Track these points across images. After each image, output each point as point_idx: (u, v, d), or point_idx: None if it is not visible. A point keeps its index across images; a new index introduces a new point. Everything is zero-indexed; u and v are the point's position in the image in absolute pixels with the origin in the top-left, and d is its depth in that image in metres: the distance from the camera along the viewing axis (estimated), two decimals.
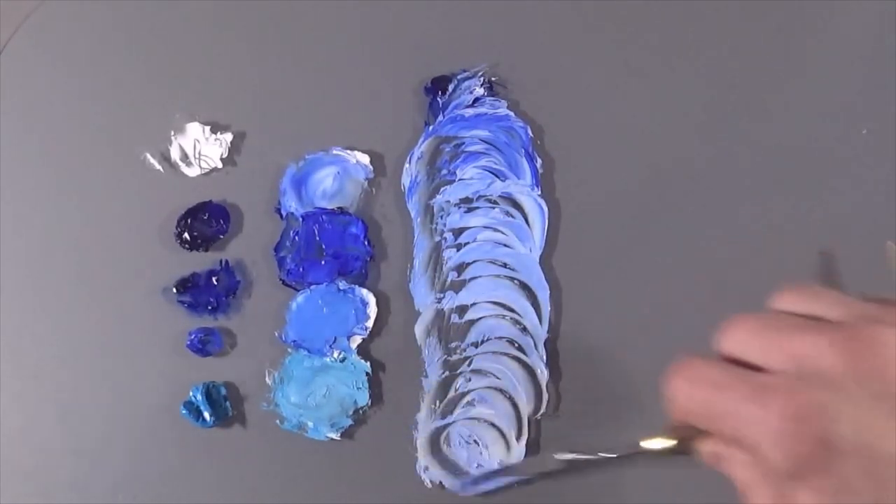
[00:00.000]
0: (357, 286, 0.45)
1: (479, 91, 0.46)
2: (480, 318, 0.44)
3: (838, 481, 0.23)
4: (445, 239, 0.45)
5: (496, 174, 0.46)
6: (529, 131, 0.46)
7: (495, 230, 0.45)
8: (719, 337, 0.27)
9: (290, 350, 0.44)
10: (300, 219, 0.45)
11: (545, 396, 0.44)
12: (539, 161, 0.46)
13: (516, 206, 0.45)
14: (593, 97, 0.47)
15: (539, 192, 0.45)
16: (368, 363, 0.44)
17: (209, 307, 0.45)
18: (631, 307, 0.45)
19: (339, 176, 0.46)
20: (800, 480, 0.23)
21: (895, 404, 0.23)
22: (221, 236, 0.45)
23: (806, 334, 0.25)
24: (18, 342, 0.45)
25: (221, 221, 0.45)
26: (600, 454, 0.34)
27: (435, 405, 0.44)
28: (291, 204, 0.45)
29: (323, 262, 0.45)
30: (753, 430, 0.24)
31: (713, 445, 0.27)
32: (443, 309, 0.45)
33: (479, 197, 0.45)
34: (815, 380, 0.24)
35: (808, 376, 0.24)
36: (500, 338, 0.44)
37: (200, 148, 0.46)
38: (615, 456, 0.33)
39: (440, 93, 0.46)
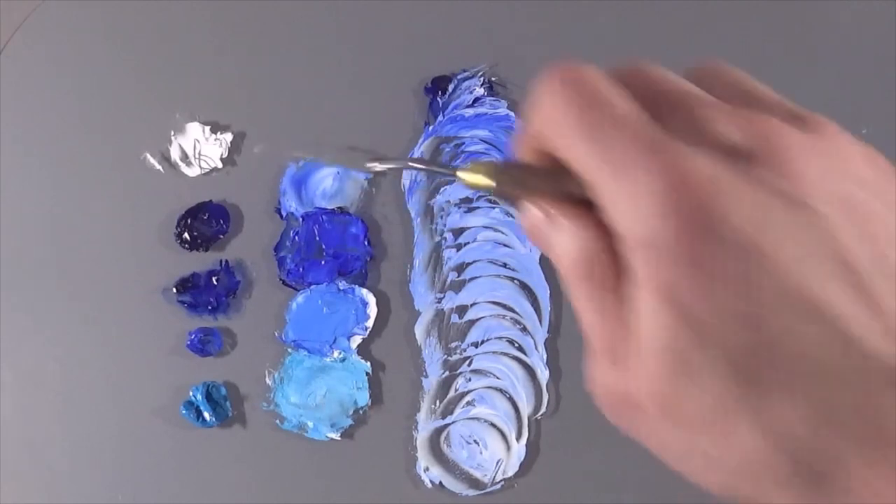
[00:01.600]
0: (357, 286, 0.45)
1: (479, 91, 0.46)
2: (480, 318, 0.44)
3: (702, 276, 0.19)
4: (445, 239, 0.45)
5: None
6: None
7: (495, 230, 0.45)
8: (625, 65, 0.23)
9: (290, 350, 0.44)
10: (300, 219, 0.45)
11: (545, 396, 0.44)
12: None
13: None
14: None
15: None
16: (368, 363, 0.44)
17: (209, 307, 0.45)
18: None
19: (339, 176, 0.46)
20: (656, 259, 0.19)
21: (798, 211, 0.20)
22: (221, 236, 0.45)
23: (715, 107, 0.22)
24: (18, 342, 0.45)
25: (221, 221, 0.45)
26: (410, 163, 0.30)
27: (435, 405, 0.44)
28: (291, 204, 0.45)
29: (323, 262, 0.45)
30: (627, 179, 0.20)
31: (542, 205, 0.22)
32: (443, 309, 0.45)
33: (479, 197, 0.45)
34: (722, 153, 0.20)
35: (707, 146, 0.20)
36: (500, 338, 0.44)
37: (200, 148, 0.46)
38: (424, 168, 0.29)
39: (440, 93, 0.46)
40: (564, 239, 0.22)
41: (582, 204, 0.22)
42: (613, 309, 0.21)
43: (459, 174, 0.23)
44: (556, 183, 0.22)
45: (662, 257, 0.19)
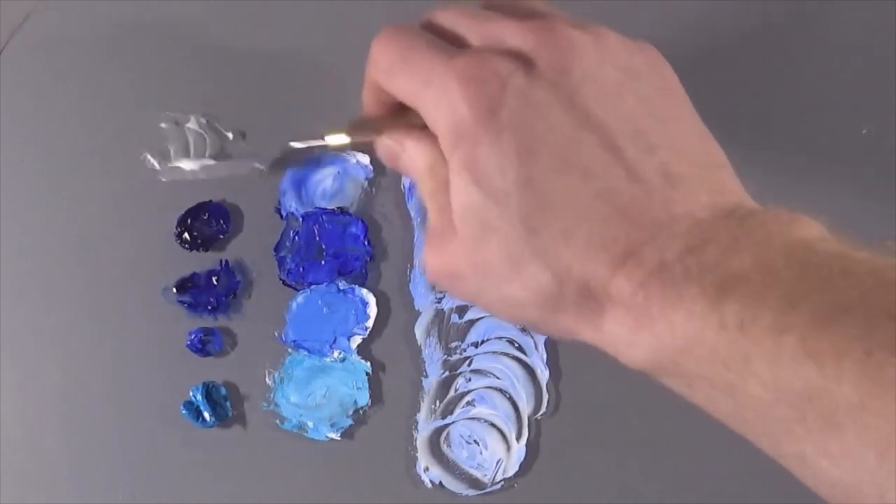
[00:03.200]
0: (357, 286, 0.45)
1: None
2: (480, 318, 0.44)
3: (495, 150, 0.24)
4: None
5: None
6: None
7: None
8: (432, 12, 0.29)
9: (290, 350, 0.44)
10: (300, 219, 0.45)
11: (545, 396, 0.44)
12: None
13: None
14: None
15: None
16: (368, 363, 0.44)
17: (209, 307, 0.45)
18: None
19: (339, 176, 0.46)
20: (460, 144, 0.25)
21: (569, 98, 0.25)
22: (221, 236, 0.45)
23: (502, 19, 0.27)
24: (18, 342, 0.45)
25: (221, 221, 0.45)
26: (290, 143, 0.36)
27: (435, 405, 0.44)
28: (291, 204, 0.45)
29: (323, 262, 0.45)
30: (431, 88, 0.25)
31: (394, 138, 0.29)
32: (443, 309, 0.45)
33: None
34: (499, 54, 0.25)
35: (494, 50, 0.25)
36: (500, 338, 0.44)
37: (200, 148, 0.46)
38: (301, 146, 0.35)
39: None
40: (411, 156, 0.28)
41: (422, 129, 0.27)
42: (445, 202, 0.26)
43: (326, 139, 0.30)
44: (398, 119, 0.28)
45: (461, 139, 0.25)
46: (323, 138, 0.31)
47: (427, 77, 0.26)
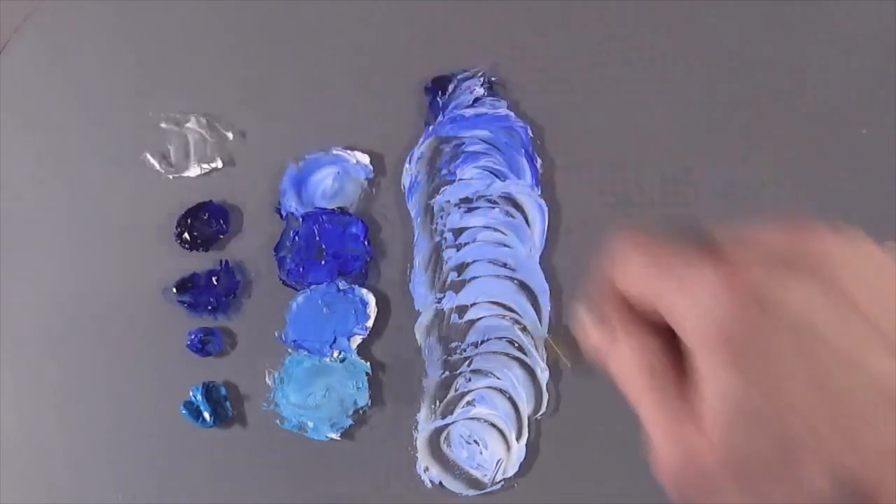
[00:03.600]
0: (357, 286, 0.45)
1: (479, 91, 0.46)
2: (480, 318, 0.44)
3: (756, 360, 0.23)
4: (445, 239, 0.45)
5: (496, 174, 0.46)
6: (529, 131, 0.46)
7: (495, 230, 0.45)
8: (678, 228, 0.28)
9: (290, 350, 0.44)
10: (300, 219, 0.45)
11: (545, 396, 0.44)
12: (539, 161, 0.46)
13: (516, 206, 0.45)
14: (593, 97, 0.47)
15: (539, 192, 0.45)
16: (368, 363, 0.44)
17: (209, 307, 0.45)
18: None
19: (339, 176, 0.46)
20: (728, 350, 0.23)
21: (834, 299, 0.24)
22: (221, 236, 0.45)
23: (761, 227, 0.26)
24: (18, 342, 0.45)
25: (221, 221, 0.45)
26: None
27: (435, 405, 0.44)
28: (291, 204, 0.45)
29: (323, 262, 0.45)
30: (688, 283, 0.24)
31: (604, 332, 0.28)
32: (443, 309, 0.45)
33: (479, 197, 0.45)
34: (762, 257, 0.24)
35: (757, 254, 0.24)
36: (500, 338, 0.44)
37: (200, 148, 0.46)
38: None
39: (440, 93, 0.46)
40: (625, 350, 0.27)
41: (638, 320, 0.27)
42: (674, 395, 0.25)
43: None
44: (618, 310, 0.27)
45: (727, 337, 0.23)
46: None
47: (680, 278, 0.25)
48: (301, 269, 0.45)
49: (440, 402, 0.44)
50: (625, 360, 0.27)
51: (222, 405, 0.44)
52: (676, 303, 0.25)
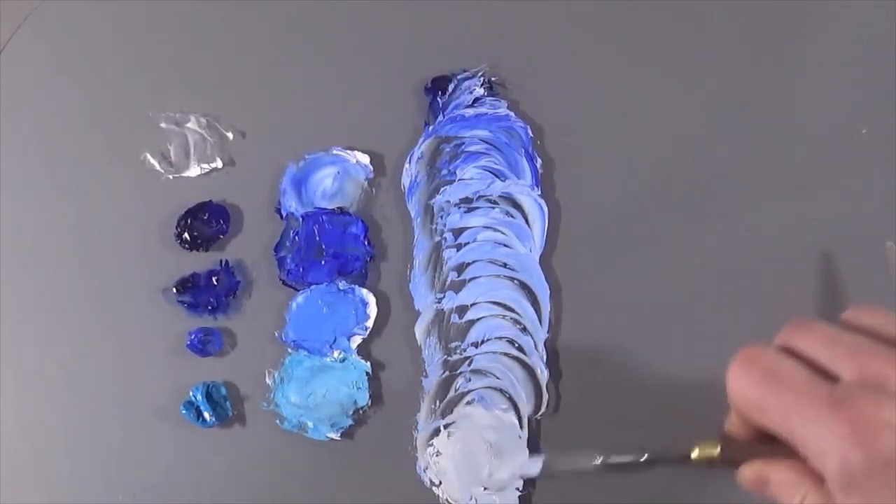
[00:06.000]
0: (357, 286, 0.45)
1: (479, 91, 0.46)
2: (480, 318, 0.44)
3: (889, 500, 0.23)
4: (445, 239, 0.45)
5: (496, 174, 0.46)
6: (529, 131, 0.46)
7: (495, 230, 0.45)
8: (788, 332, 0.28)
9: (290, 350, 0.44)
10: (300, 219, 0.45)
11: (545, 396, 0.44)
12: (539, 161, 0.46)
13: (516, 206, 0.45)
14: (593, 97, 0.47)
15: (539, 192, 0.45)
16: (368, 363, 0.44)
17: (209, 307, 0.45)
18: (631, 307, 0.45)
19: (339, 176, 0.46)
20: (852, 494, 0.24)
21: None
22: (221, 236, 0.45)
23: (882, 355, 0.25)
24: (19, 342, 0.45)
25: (221, 221, 0.45)
26: (644, 458, 0.33)
27: (435, 405, 0.44)
28: (291, 204, 0.45)
29: (323, 262, 0.45)
30: (817, 432, 0.25)
31: (758, 468, 0.28)
32: (443, 309, 0.45)
33: (479, 197, 0.45)
34: (889, 398, 0.24)
35: (882, 394, 0.24)
36: (500, 338, 0.44)
37: (200, 148, 0.46)
38: (654, 460, 0.32)
39: (440, 93, 0.46)
40: (780, 489, 0.27)
41: (788, 456, 0.27)
42: None
43: (693, 456, 0.30)
44: (765, 447, 0.28)
45: (855, 487, 0.24)
46: (689, 453, 0.30)
47: (808, 418, 0.25)
48: (301, 269, 0.45)
49: (440, 402, 0.44)
50: (780, 495, 0.28)
51: (222, 405, 0.44)
52: (807, 443, 0.25)
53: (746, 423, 0.28)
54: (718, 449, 0.29)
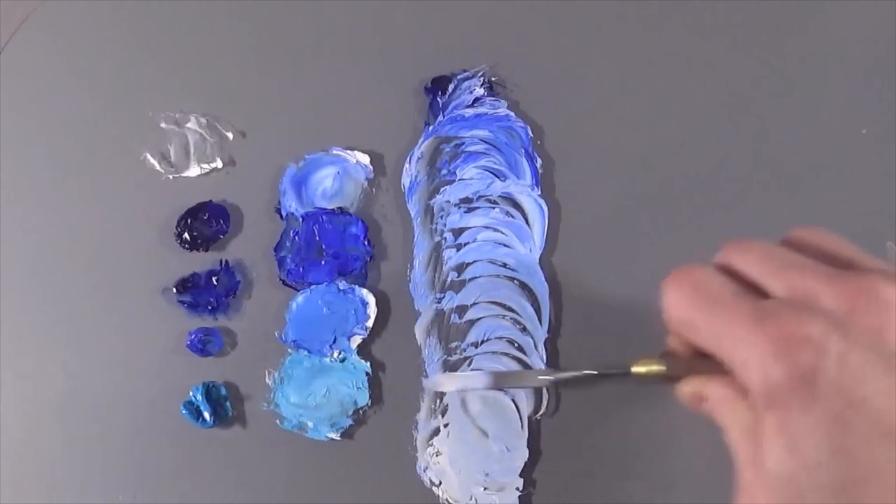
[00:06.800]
0: (357, 286, 0.45)
1: (479, 91, 0.46)
2: (480, 318, 0.44)
3: (810, 418, 0.23)
4: (445, 239, 0.45)
5: (496, 174, 0.46)
6: (529, 131, 0.46)
7: (495, 230, 0.45)
8: (725, 250, 0.28)
9: (290, 350, 0.44)
10: (300, 219, 0.45)
11: (545, 396, 0.44)
12: (539, 161, 0.46)
13: (516, 206, 0.45)
14: (593, 97, 0.47)
15: (539, 192, 0.45)
16: (368, 363, 0.44)
17: (209, 307, 0.45)
18: (631, 307, 0.45)
19: (339, 176, 0.46)
20: (773, 408, 0.24)
21: (887, 362, 0.24)
22: (221, 236, 0.45)
23: (813, 272, 0.25)
24: (18, 342, 0.45)
25: (221, 221, 0.45)
26: (585, 371, 0.35)
27: (435, 405, 0.44)
28: (291, 204, 0.45)
29: (323, 262, 0.45)
30: (741, 348, 0.25)
31: (695, 385, 0.28)
32: (443, 309, 0.45)
33: (479, 197, 0.45)
34: (813, 314, 0.24)
35: (807, 310, 0.24)
36: (500, 338, 0.44)
37: (200, 148, 0.46)
38: (598, 373, 0.34)
39: (440, 93, 0.46)
40: (715, 405, 0.27)
41: (725, 374, 0.26)
42: (756, 452, 0.25)
43: (633, 369, 0.30)
44: (703, 362, 0.28)
45: (774, 404, 0.24)
46: (629, 368, 0.30)
47: (734, 334, 0.25)
48: (301, 269, 0.45)
49: (440, 402, 0.44)
50: (715, 412, 0.28)
51: (222, 405, 0.44)
52: (735, 361, 0.25)
53: (683, 342, 0.29)
54: (659, 365, 0.29)
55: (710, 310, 0.26)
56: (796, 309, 0.24)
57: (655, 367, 0.29)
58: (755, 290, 0.26)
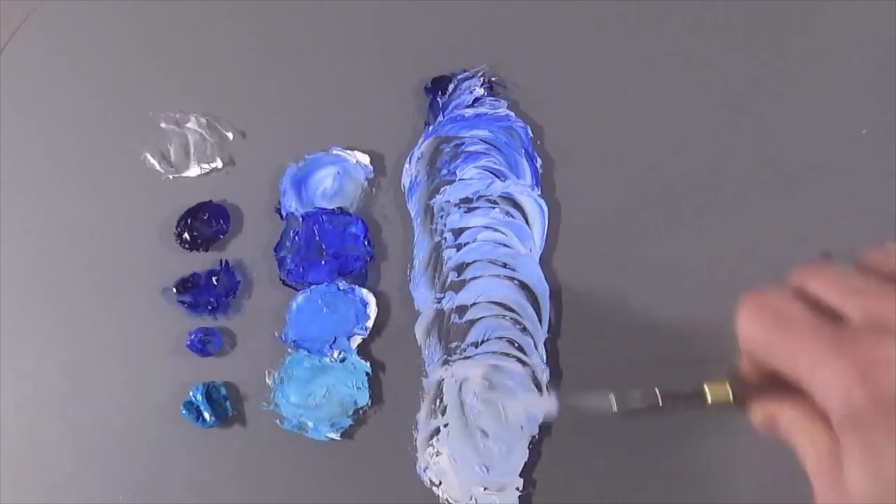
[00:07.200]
0: (357, 286, 0.45)
1: (479, 91, 0.46)
2: (480, 318, 0.44)
3: (893, 439, 0.24)
4: (445, 239, 0.45)
5: (496, 174, 0.46)
6: (529, 131, 0.46)
7: (495, 230, 0.45)
8: (799, 274, 0.28)
9: (290, 350, 0.44)
10: (300, 219, 0.45)
11: (545, 396, 0.44)
12: (539, 161, 0.46)
13: (516, 206, 0.45)
14: (593, 97, 0.47)
15: (539, 192, 0.45)
16: (368, 363, 0.44)
17: (209, 307, 0.45)
18: (631, 307, 0.45)
19: (339, 176, 0.46)
20: (856, 431, 0.24)
21: None
22: (221, 236, 0.45)
23: (889, 296, 0.26)
24: (19, 342, 0.45)
25: (221, 221, 0.45)
26: (658, 401, 0.33)
27: (435, 405, 0.44)
28: (291, 204, 0.45)
29: (323, 262, 0.45)
30: (822, 372, 0.25)
31: (768, 408, 0.28)
32: (443, 309, 0.45)
33: (479, 197, 0.45)
34: (888, 337, 0.24)
35: (885, 333, 0.25)
36: (500, 338, 0.44)
37: (200, 148, 0.46)
38: (668, 404, 0.32)
39: (440, 93, 0.46)
40: (790, 429, 0.28)
41: (798, 397, 0.27)
42: (836, 476, 0.25)
43: (702, 393, 0.29)
44: (775, 387, 0.28)
45: (857, 426, 0.24)
46: (702, 393, 0.30)
47: (814, 358, 0.25)
48: (301, 269, 0.45)
49: (440, 402, 0.44)
50: (790, 435, 0.28)
51: (222, 405, 0.44)
52: (815, 384, 0.25)
53: (756, 366, 0.29)
54: (730, 390, 0.29)
55: (790, 335, 0.26)
56: (875, 333, 0.25)
57: (727, 394, 0.29)
58: (828, 313, 0.26)
